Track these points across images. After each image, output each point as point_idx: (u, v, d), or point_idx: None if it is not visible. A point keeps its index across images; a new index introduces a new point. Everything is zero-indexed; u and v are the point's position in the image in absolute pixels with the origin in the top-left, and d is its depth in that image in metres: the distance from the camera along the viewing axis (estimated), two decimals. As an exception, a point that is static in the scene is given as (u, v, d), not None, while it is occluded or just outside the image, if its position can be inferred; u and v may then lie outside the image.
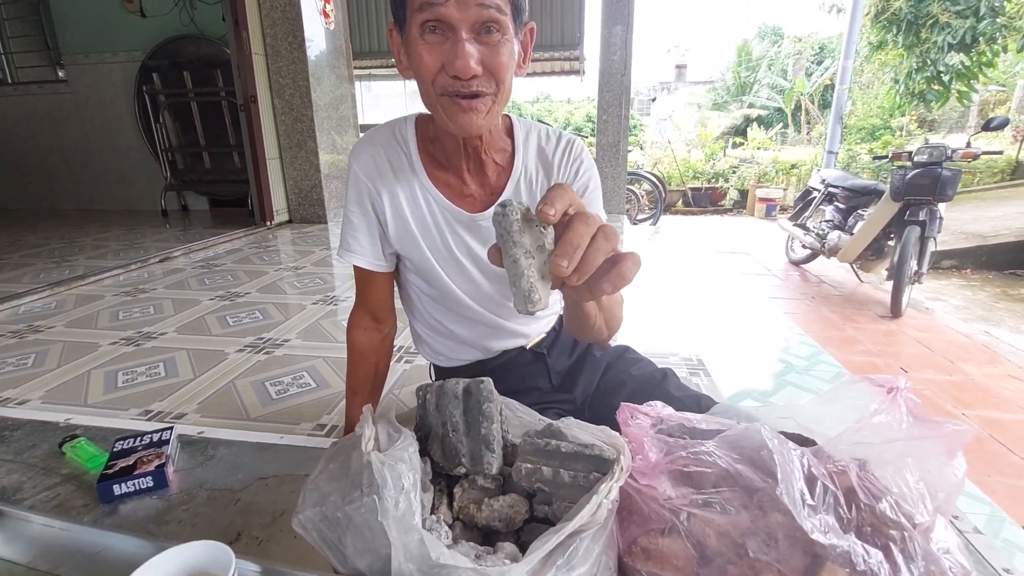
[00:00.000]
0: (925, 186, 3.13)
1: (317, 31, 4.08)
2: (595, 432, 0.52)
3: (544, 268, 0.44)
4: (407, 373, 1.66)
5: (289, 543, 0.64)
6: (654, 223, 5.55)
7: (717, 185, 8.61)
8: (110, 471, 0.77)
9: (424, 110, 0.73)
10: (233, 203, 4.85)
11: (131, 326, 2.10)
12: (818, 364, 2.13)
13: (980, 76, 6.17)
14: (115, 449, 0.83)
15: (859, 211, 3.84)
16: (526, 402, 0.62)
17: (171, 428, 0.88)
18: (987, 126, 3.19)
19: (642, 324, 2.16)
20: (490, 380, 0.56)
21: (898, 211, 3.31)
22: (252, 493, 0.75)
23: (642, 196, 6.03)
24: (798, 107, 11.88)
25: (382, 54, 6.08)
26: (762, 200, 7.71)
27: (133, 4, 4.52)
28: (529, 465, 0.49)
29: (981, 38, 5.68)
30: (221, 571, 0.47)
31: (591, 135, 5.70)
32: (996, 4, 5.53)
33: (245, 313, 2.23)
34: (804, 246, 4.36)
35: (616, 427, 0.53)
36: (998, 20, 5.53)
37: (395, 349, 1.31)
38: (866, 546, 0.40)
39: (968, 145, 3.29)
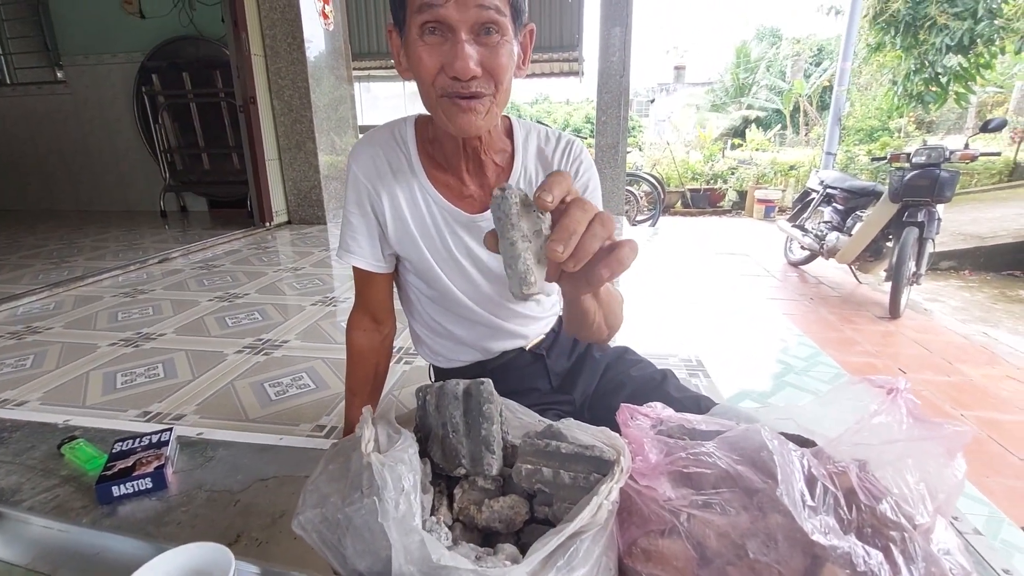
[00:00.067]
0: (923, 187, 3.14)
1: (316, 32, 4.08)
2: (595, 433, 0.52)
3: (540, 253, 0.44)
4: (406, 374, 1.66)
5: (289, 544, 0.64)
6: (653, 224, 5.56)
7: (716, 186, 8.63)
8: (109, 472, 0.77)
9: (424, 111, 0.73)
10: (232, 204, 4.85)
11: (130, 327, 2.09)
12: (817, 365, 2.13)
13: (978, 78, 6.19)
14: (114, 450, 0.82)
15: (857, 212, 3.85)
16: (525, 403, 0.62)
17: (170, 429, 0.88)
18: (985, 127, 3.20)
19: (641, 325, 2.17)
20: (490, 381, 0.55)
21: (896, 212, 3.32)
22: (251, 494, 0.75)
23: (641, 197, 6.04)
24: (796, 108, 11.90)
25: (381, 55, 6.08)
26: (761, 201, 7.73)
27: (132, 5, 4.51)
28: (529, 466, 0.49)
29: (979, 40, 5.69)
30: (220, 573, 0.47)
31: (590, 136, 5.71)
32: (994, 6, 5.55)
33: (244, 314, 2.23)
34: (803, 247, 4.37)
35: (616, 428, 0.53)
36: (996, 22, 5.54)
37: (394, 350, 1.31)
38: (866, 547, 0.40)
39: (966, 146, 3.30)
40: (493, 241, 0.45)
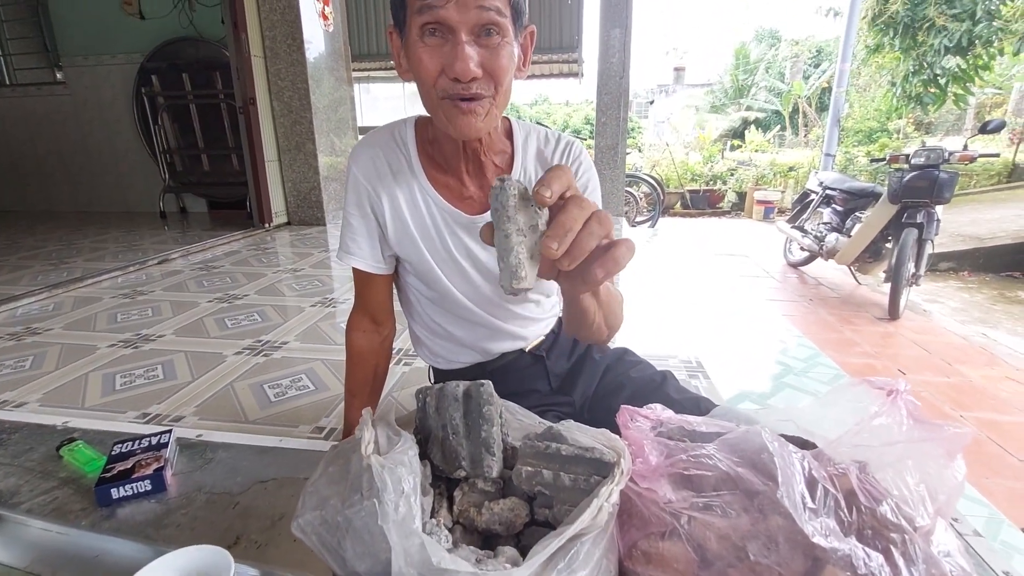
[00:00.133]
0: (922, 188, 3.14)
1: (316, 33, 4.09)
2: (595, 435, 0.52)
3: (535, 248, 0.43)
4: (406, 375, 1.66)
5: (288, 547, 0.64)
6: (652, 225, 5.56)
7: (715, 187, 8.64)
8: (108, 475, 0.77)
9: (423, 112, 0.73)
10: (232, 205, 4.84)
11: (129, 328, 2.09)
12: (816, 366, 2.13)
13: (976, 79, 6.20)
14: (113, 452, 0.82)
15: (857, 213, 3.86)
16: (525, 404, 0.62)
17: (169, 431, 0.88)
18: (984, 129, 3.20)
19: (641, 326, 2.17)
20: (490, 383, 0.55)
21: (896, 213, 3.33)
22: (251, 497, 0.75)
23: (640, 198, 6.04)
24: (795, 110, 11.92)
25: (381, 56, 6.09)
26: (760, 202, 7.74)
27: (132, 6, 4.52)
28: (529, 468, 0.49)
29: (977, 41, 5.71)
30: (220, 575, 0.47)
31: (590, 137, 5.71)
32: (992, 7, 5.56)
33: (243, 315, 2.23)
34: (802, 248, 4.37)
35: (616, 430, 0.52)
36: (994, 23, 5.56)
37: (394, 351, 1.31)
38: (867, 549, 0.40)
39: (965, 148, 3.30)
40: (489, 233, 0.44)
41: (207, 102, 4.70)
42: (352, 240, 0.82)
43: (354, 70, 4.96)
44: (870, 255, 3.62)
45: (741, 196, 8.38)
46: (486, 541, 0.50)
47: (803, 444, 0.51)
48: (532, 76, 7.04)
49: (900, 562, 0.40)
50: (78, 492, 0.77)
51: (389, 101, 8.45)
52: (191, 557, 0.49)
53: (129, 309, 2.33)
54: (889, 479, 0.45)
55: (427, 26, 0.61)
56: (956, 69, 6.11)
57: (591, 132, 5.25)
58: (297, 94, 4.06)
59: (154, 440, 0.85)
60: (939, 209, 3.27)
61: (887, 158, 3.52)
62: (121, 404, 1.50)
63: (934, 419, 0.48)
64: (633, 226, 5.55)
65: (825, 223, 4.16)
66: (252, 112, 3.95)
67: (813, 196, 4.40)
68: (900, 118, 9.21)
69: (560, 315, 0.97)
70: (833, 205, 4.11)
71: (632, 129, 12.36)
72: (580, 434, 0.52)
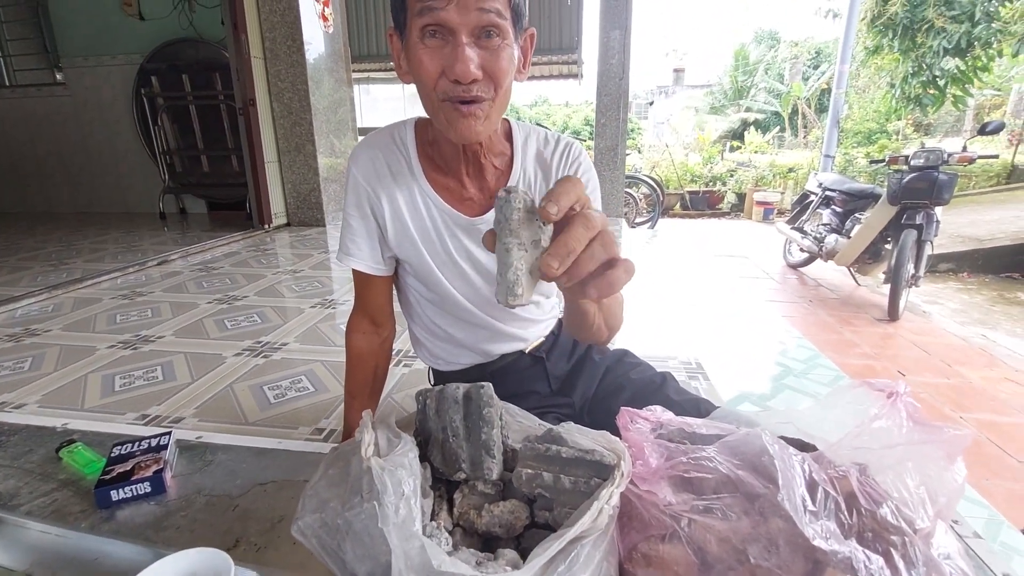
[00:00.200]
0: (922, 190, 3.15)
1: (316, 35, 4.09)
2: (595, 437, 0.52)
3: (535, 264, 0.43)
4: (406, 377, 1.66)
5: (288, 550, 0.64)
6: (652, 226, 5.56)
7: (715, 188, 8.64)
8: (108, 477, 0.76)
9: (423, 114, 0.73)
10: (231, 206, 4.84)
11: (128, 329, 2.09)
12: (816, 367, 2.13)
13: (975, 80, 6.21)
14: (112, 454, 0.82)
15: (856, 215, 3.86)
16: (525, 406, 0.62)
17: (169, 433, 0.88)
18: (983, 130, 3.21)
19: (641, 328, 2.17)
20: (490, 385, 0.55)
21: (895, 215, 3.33)
22: (250, 499, 0.74)
23: (640, 199, 6.04)
24: (795, 111, 11.94)
25: (381, 58, 6.09)
26: (759, 204, 7.74)
27: (132, 7, 4.52)
28: (530, 471, 0.49)
29: (976, 43, 5.71)
30: (220, 578, 0.47)
31: (589, 138, 5.71)
32: (991, 9, 5.57)
33: (243, 316, 2.23)
34: (802, 249, 4.37)
35: (616, 432, 0.52)
36: (993, 25, 5.57)
37: (394, 353, 1.31)
38: (867, 552, 0.40)
39: (964, 149, 3.31)
40: (491, 240, 0.44)
41: (207, 103, 4.70)
42: (352, 241, 0.82)
43: (354, 71, 4.96)
44: (869, 256, 3.63)
45: (740, 197, 8.39)
46: (486, 543, 0.50)
47: (803, 446, 0.51)
48: (532, 77, 7.04)
49: (900, 565, 0.40)
50: (77, 494, 0.77)
51: (389, 102, 8.45)
52: (191, 560, 0.49)
53: (128, 310, 2.33)
54: (889, 481, 0.45)
55: (427, 28, 0.61)
56: (955, 71, 6.12)
57: (591, 133, 5.26)
58: (297, 95, 4.06)
59: (153, 442, 0.85)
60: (938, 210, 3.27)
61: (886, 159, 3.53)
62: (120, 405, 1.50)
63: (934, 420, 0.48)
64: (633, 227, 5.55)
65: (824, 224, 4.17)
66: (252, 113, 3.95)
67: (812, 197, 4.40)
68: (899, 119, 9.22)
69: (560, 316, 0.97)
70: (832, 206, 4.11)
71: (632, 130, 12.36)
72: (580, 436, 0.52)
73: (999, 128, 3.20)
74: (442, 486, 0.54)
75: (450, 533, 0.49)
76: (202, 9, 4.44)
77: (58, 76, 5.07)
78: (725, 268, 4.65)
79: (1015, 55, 5.80)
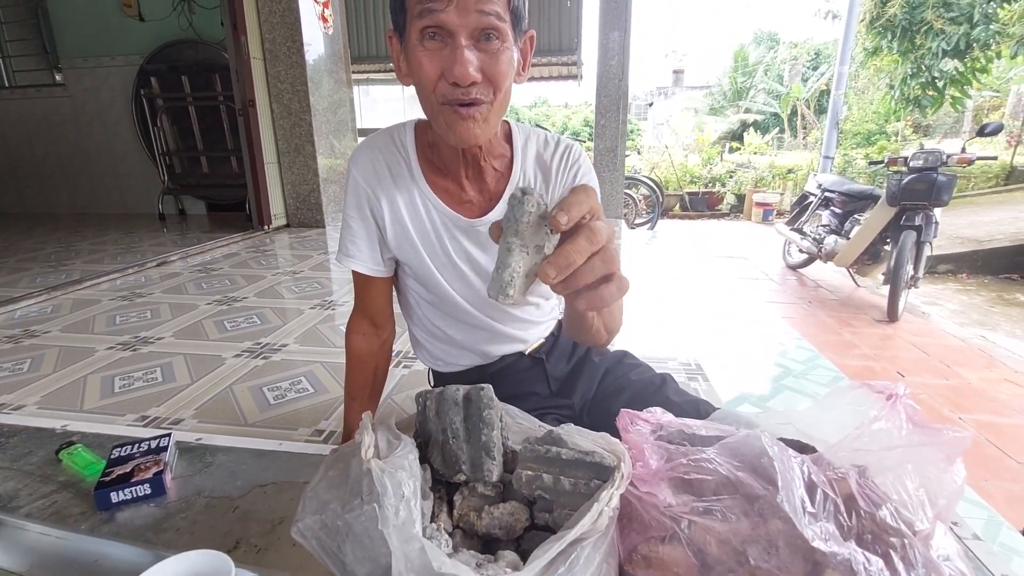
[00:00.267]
0: (921, 191, 3.15)
1: (316, 36, 4.09)
2: (595, 439, 0.52)
3: (533, 268, 0.43)
4: (405, 378, 1.66)
5: (288, 551, 0.64)
6: (652, 227, 5.56)
7: (714, 190, 8.65)
8: (107, 478, 0.76)
9: (423, 115, 0.73)
10: (231, 207, 4.84)
11: (128, 331, 2.09)
12: (815, 368, 2.14)
13: (974, 82, 6.22)
14: (112, 456, 0.82)
15: (855, 216, 3.87)
16: (524, 407, 0.62)
17: (169, 435, 0.88)
18: (981, 132, 3.21)
19: (641, 329, 2.17)
20: (490, 387, 0.55)
21: (894, 216, 3.33)
22: (250, 501, 0.74)
23: (640, 200, 6.05)
24: (794, 112, 11.96)
25: (380, 59, 6.09)
26: (759, 205, 7.75)
27: (131, 8, 4.52)
28: (530, 472, 0.49)
29: (975, 44, 5.73)
30: (220, 580, 0.47)
31: (589, 140, 5.72)
32: (990, 11, 5.58)
33: (243, 318, 2.23)
34: (801, 250, 4.38)
35: (615, 433, 0.53)
36: (992, 26, 5.58)
37: (393, 354, 1.30)
38: (867, 554, 0.40)
39: (963, 150, 3.31)
40: (497, 232, 0.44)
41: (206, 104, 4.70)
42: (351, 243, 0.83)
43: (353, 72, 4.96)
44: (869, 257, 3.63)
45: (740, 198, 8.40)
46: (486, 545, 0.50)
47: (802, 448, 0.51)
48: (531, 78, 7.04)
49: (900, 566, 0.40)
50: (77, 496, 0.77)
51: (388, 103, 8.46)
52: (191, 561, 0.48)
53: (128, 311, 2.33)
54: (889, 483, 0.45)
55: (427, 30, 0.61)
56: (954, 72, 6.13)
57: (590, 134, 5.26)
58: (296, 96, 4.06)
59: (153, 444, 0.85)
60: (937, 211, 3.28)
61: (885, 161, 3.54)
62: (120, 407, 1.49)
63: (933, 421, 0.48)
64: (632, 228, 5.55)
65: (824, 225, 4.17)
66: (251, 114, 3.95)
67: (812, 198, 4.41)
68: (898, 121, 9.24)
69: (560, 318, 0.98)
70: (832, 207, 4.12)
71: (631, 131, 12.37)
72: (580, 438, 0.52)
73: (998, 129, 3.21)
74: (442, 488, 0.54)
75: (450, 535, 0.49)
76: (202, 10, 4.45)
77: (57, 77, 5.07)
78: (724, 269, 4.66)
79: (1013, 57, 5.81)
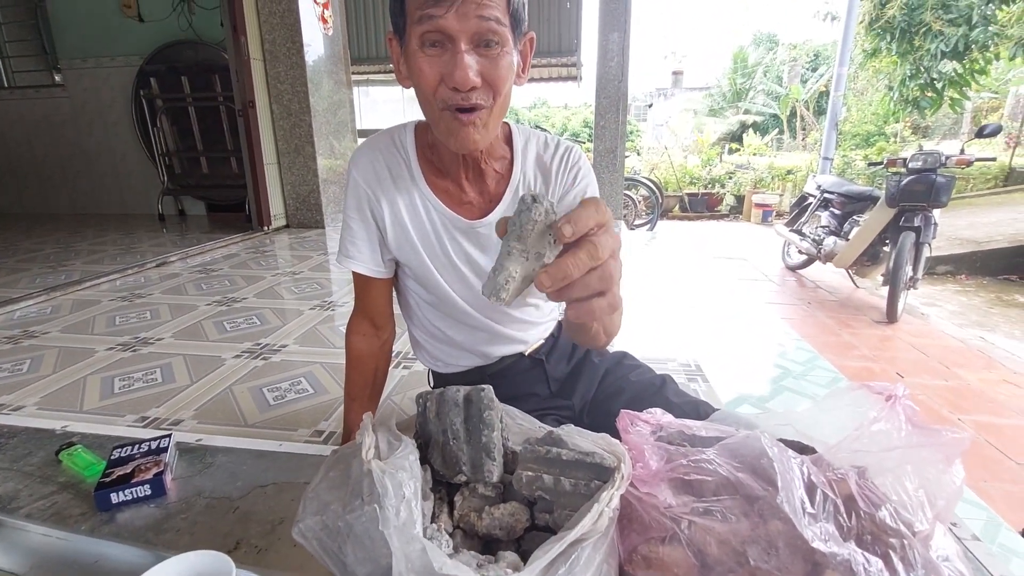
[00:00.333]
0: (920, 192, 3.15)
1: (316, 37, 4.10)
2: (596, 440, 0.52)
3: (531, 275, 0.43)
4: (405, 379, 1.66)
5: (288, 552, 0.64)
6: (651, 228, 5.56)
7: (714, 191, 8.66)
8: (108, 479, 0.76)
9: (423, 117, 0.73)
10: (230, 208, 4.84)
11: (127, 331, 2.09)
12: (815, 369, 2.14)
13: (973, 83, 6.24)
14: (112, 457, 0.82)
15: (855, 217, 3.87)
16: (524, 408, 0.62)
17: (169, 435, 0.88)
18: (980, 133, 3.21)
19: (640, 330, 2.17)
20: (490, 388, 0.56)
21: (893, 217, 3.34)
22: (251, 501, 0.74)
23: (639, 201, 6.05)
24: (793, 113, 11.97)
25: (380, 60, 6.10)
26: (758, 206, 7.75)
27: (131, 9, 4.52)
28: (530, 473, 0.49)
29: (974, 46, 5.74)
30: (221, 581, 0.47)
31: (588, 141, 5.72)
32: (988, 12, 5.60)
33: (242, 318, 2.23)
34: (800, 251, 4.38)
35: (615, 434, 0.53)
36: (990, 28, 5.59)
37: (393, 355, 1.31)
38: (866, 554, 0.40)
39: (962, 152, 3.32)
40: (503, 229, 0.44)
41: (206, 105, 4.70)
42: (352, 244, 0.83)
43: (353, 73, 4.97)
44: (868, 258, 3.63)
45: (739, 199, 8.40)
46: (487, 546, 0.50)
47: (802, 449, 0.51)
48: (531, 80, 7.05)
49: (899, 567, 0.40)
50: (77, 497, 0.77)
51: (388, 104, 8.47)
52: (192, 562, 0.48)
53: (127, 312, 2.33)
54: (888, 484, 0.45)
55: (427, 35, 0.61)
56: (952, 73, 6.14)
57: (590, 135, 5.27)
58: (296, 97, 4.07)
59: (153, 444, 0.85)
60: (936, 213, 3.28)
61: (884, 162, 3.54)
62: (120, 408, 1.49)
63: (932, 422, 0.48)
64: (632, 229, 5.55)
65: (823, 226, 4.18)
66: (251, 115, 3.95)
67: (811, 199, 4.41)
68: (897, 122, 9.26)
69: (560, 319, 0.98)
70: (831, 208, 4.12)
71: (631, 132, 12.39)
72: (580, 439, 0.53)
73: (996, 131, 3.21)
74: (442, 489, 0.55)
75: (451, 535, 0.49)
76: (201, 11, 4.45)
77: (57, 78, 5.07)
78: (724, 270, 4.66)
79: (1012, 58, 5.83)
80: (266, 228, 4.21)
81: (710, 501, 0.44)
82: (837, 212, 4.03)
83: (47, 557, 0.64)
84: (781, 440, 0.48)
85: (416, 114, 0.77)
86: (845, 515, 0.42)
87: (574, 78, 6.61)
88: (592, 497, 0.44)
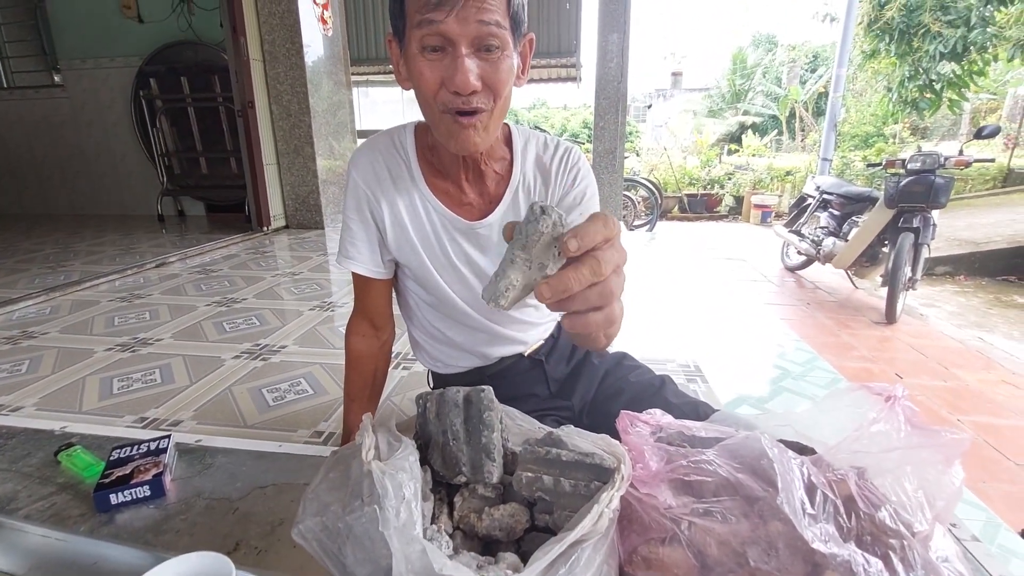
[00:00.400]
0: (918, 193, 3.16)
1: (315, 37, 4.10)
2: (595, 440, 0.52)
3: (532, 284, 0.44)
4: (405, 380, 1.66)
5: (288, 553, 0.64)
6: (650, 229, 5.57)
7: (713, 191, 8.66)
8: (107, 480, 0.76)
9: (423, 118, 0.73)
10: (230, 208, 4.84)
11: (127, 332, 2.09)
12: (814, 370, 2.14)
13: (971, 85, 6.25)
14: (112, 458, 0.82)
15: (853, 218, 3.87)
16: (524, 409, 0.62)
17: (168, 436, 0.88)
18: (979, 134, 3.22)
19: (640, 331, 2.17)
20: (490, 388, 0.56)
21: (892, 218, 3.34)
22: (250, 502, 0.74)
23: (638, 202, 6.06)
24: (792, 114, 11.99)
25: (380, 60, 6.10)
26: (757, 207, 7.76)
27: (130, 9, 4.52)
28: (530, 474, 0.49)
29: (972, 47, 5.75)
30: (220, 582, 0.47)
31: (588, 142, 5.72)
32: (987, 14, 5.61)
33: (242, 319, 2.22)
34: (799, 252, 4.38)
35: (615, 435, 0.53)
36: (988, 30, 5.60)
37: (393, 356, 1.31)
38: (866, 555, 0.40)
39: (960, 153, 3.32)
40: (510, 234, 0.44)
41: (205, 105, 4.70)
42: (351, 244, 0.83)
43: (353, 74, 4.97)
44: (867, 259, 3.64)
45: (738, 200, 8.40)
46: (486, 547, 0.50)
47: (802, 450, 0.51)
48: (530, 80, 7.05)
49: (899, 568, 0.40)
50: (76, 498, 0.77)
51: (388, 105, 8.47)
52: (191, 563, 0.48)
53: (127, 313, 2.33)
54: (888, 485, 0.45)
55: (427, 39, 0.61)
56: (951, 75, 6.16)
57: (589, 136, 5.27)
58: (296, 98, 4.06)
59: (153, 445, 0.85)
60: (935, 214, 3.28)
61: (883, 163, 3.54)
62: (119, 408, 1.49)
63: (931, 423, 0.48)
64: (631, 230, 5.56)
65: (822, 227, 4.18)
66: (251, 116, 3.95)
67: (810, 200, 4.41)
68: (896, 123, 9.27)
69: (559, 319, 0.98)
70: (830, 209, 4.13)
71: (630, 133, 12.39)
72: (580, 440, 0.53)
73: (995, 132, 3.21)
74: (442, 489, 0.55)
75: (450, 537, 0.49)
76: (201, 12, 4.45)
77: (56, 78, 5.06)
78: (723, 271, 4.66)
79: (1010, 59, 5.84)
80: (265, 229, 4.21)
81: (710, 502, 0.44)
82: (836, 213, 4.04)
83: (46, 558, 0.64)
84: (781, 441, 0.48)
85: (416, 115, 0.77)
86: (845, 516, 0.42)
87: (573, 79, 6.61)
88: (592, 498, 0.44)
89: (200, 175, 4.95)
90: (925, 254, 3.30)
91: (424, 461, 0.55)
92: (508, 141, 0.82)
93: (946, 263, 4.87)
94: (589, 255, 0.41)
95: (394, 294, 0.94)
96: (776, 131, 12.41)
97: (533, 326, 0.92)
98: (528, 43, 0.71)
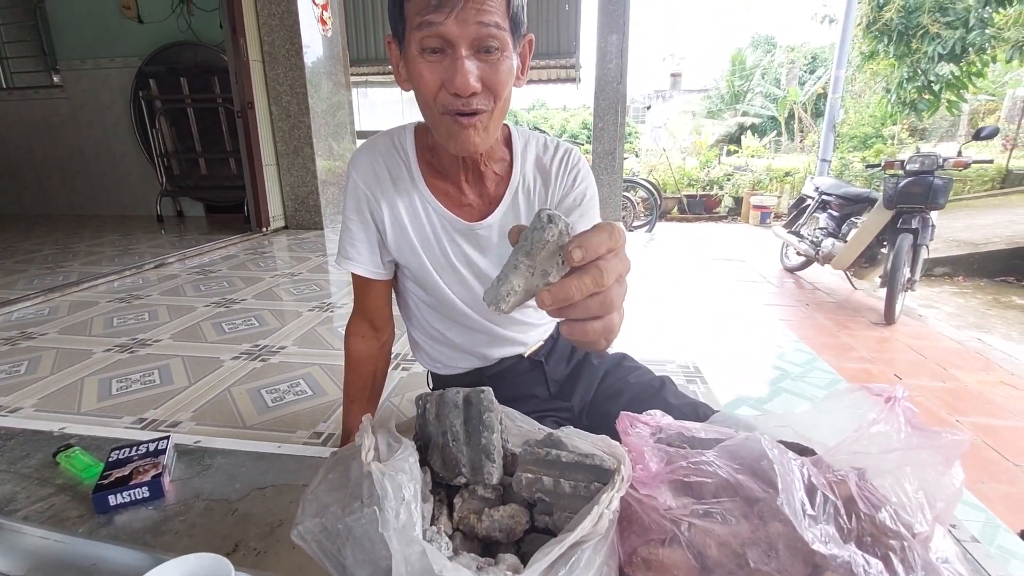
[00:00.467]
0: (917, 194, 3.16)
1: (315, 38, 4.10)
2: (595, 441, 0.52)
3: (534, 290, 0.44)
4: (404, 381, 1.66)
5: (287, 554, 0.64)
6: (650, 230, 5.57)
7: (712, 192, 8.67)
8: (106, 481, 0.76)
9: (422, 119, 0.73)
10: (229, 209, 4.84)
11: (125, 333, 2.08)
12: (813, 371, 2.14)
13: (970, 86, 6.26)
14: (110, 459, 0.82)
15: (852, 219, 3.88)
16: (524, 410, 0.62)
17: (167, 437, 0.87)
18: (977, 135, 3.22)
19: (639, 331, 2.17)
20: (490, 390, 0.56)
21: (891, 219, 3.34)
22: (249, 503, 0.74)
23: (638, 203, 6.06)
24: (791, 115, 12.00)
25: (379, 61, 6.10)
26: (756, 207, 7.76)
27: (130, 10, 4.52)
28: (530, 475, 0.49)
29: (971, 48, 5.76)
30: (220, 583, 0.47)
31: (587, 142, 5.73)
32: (985, 15, 5.62)
33: (241, 320, 2.22)
34: (798, 253, 4.39)
35: (615, 436, 0.53)
36: (987, 31, 5.62)
37: (392, 357, 1.31)
38: (866, 556, 0.40)
39: (959, 154, 3.32)
40: (515, 237, 0.44)
41: (205, 106, 4.70)
42: (351, 245, 0.83)
43: (352, 75, 4.97)
44: (866, 260, 3.64)
45: (738, 201, 8.41)
46: (486, 548, 0.50)
47: (802, 451, 0.51)
48: (530, 81, 7.04)
49: (899, 569, 0.40)
50: (75, 499, 0.77)
51: (387, 106, 8.47)
52: (190, 565, 0.48)
53: (125, 313, 2.33)
54: (888, 486, 0.45)
55: (427, 41, 0.61)
56: (950, 76, 6.17)
57: (588, 137, 5.27)
58: (295, 98, 4.06)
59: (152, 446, 0.85)
60: (934, 215, 3.29)
61: (882, 164, 3.55)
62: (117, 409, 1.49)
63: (930, 424, 0.48)
64: (630, 231, 5.56)
65: (821, 228, 4.18)
66: (250, 116, 3.95)
67: (809, 201, 4.42)
68: (895, 124, 9.29)
69: (559, 322, 0.98)
70: (829, 210, 4.13)
71: (629, 134, 12.41)
72: (580, 441, 0.53)
73: (993, 133, 3.22)
74: (442, 490, 0.54)
75: (450, 538, 0.49)
76: (200, 12, 4.45)
77: (56, 79, 5.06)
78: (722, 272, 4.66)
79: (1009, 61, 5.85)
80: (265, 229, 4.21)
81: (710, 503, 0.44)
82: (835, 214, 4.04)
83: (44, 560, 0.63)
84: (780, 442, 0.48)
85: (415, 115, 0.77)
86: (845, 517, 0.42)
87: (573, 80, 6.62)
88: (592, 499, 0.44)
89: (199, 176, 4.95)
90: (924, 255, 3.30)
91: (424, 462, 0.54)
92: (508, 142, 0.82)
93: (945, 264, 4.87)
94: (592, 265, 0.40)
95: (394, 295, 0.94)
96: (775, 132, 12.42)
97: (533, 327, 0.92)
98: (527, 44, 0.71)
